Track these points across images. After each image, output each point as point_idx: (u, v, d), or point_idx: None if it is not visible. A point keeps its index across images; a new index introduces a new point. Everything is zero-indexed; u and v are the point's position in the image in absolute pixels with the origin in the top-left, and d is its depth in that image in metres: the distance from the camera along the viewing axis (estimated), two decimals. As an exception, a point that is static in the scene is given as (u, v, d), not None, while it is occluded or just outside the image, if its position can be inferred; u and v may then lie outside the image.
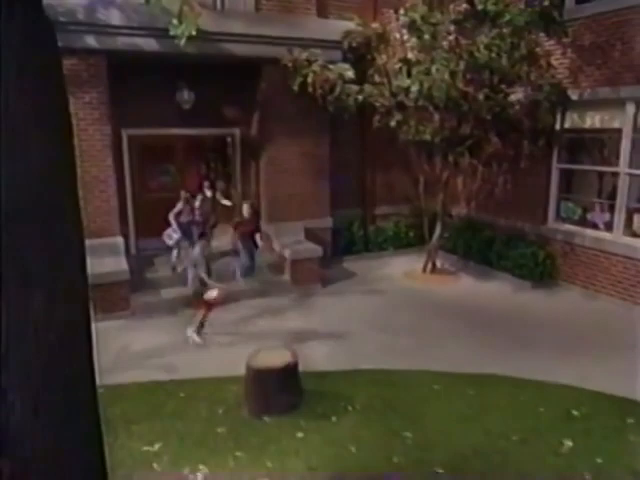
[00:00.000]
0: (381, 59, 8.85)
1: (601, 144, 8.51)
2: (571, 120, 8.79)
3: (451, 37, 7.99)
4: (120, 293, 7.59)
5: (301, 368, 5.48)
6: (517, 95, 8.52)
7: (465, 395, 5.53)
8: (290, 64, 8.63)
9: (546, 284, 8.92)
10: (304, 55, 8.65)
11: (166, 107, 8.95)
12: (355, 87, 8.67)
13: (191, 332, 6.69)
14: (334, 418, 5.06)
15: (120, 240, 8.25)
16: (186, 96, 9.02)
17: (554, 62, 8.51)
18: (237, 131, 9.92)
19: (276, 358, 5.20)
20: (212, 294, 6.54)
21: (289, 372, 5.16)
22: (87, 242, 2.74)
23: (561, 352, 6.44)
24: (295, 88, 8.64)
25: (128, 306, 7.67)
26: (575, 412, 5.13)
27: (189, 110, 9.12)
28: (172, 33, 6.77)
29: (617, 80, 7.88)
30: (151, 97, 8.69)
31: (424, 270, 9.78)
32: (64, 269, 2.76)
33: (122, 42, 7.61)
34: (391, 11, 8.86)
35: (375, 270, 10.03)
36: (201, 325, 6.71)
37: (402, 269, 9.98)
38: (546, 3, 7.56)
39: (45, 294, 2.60)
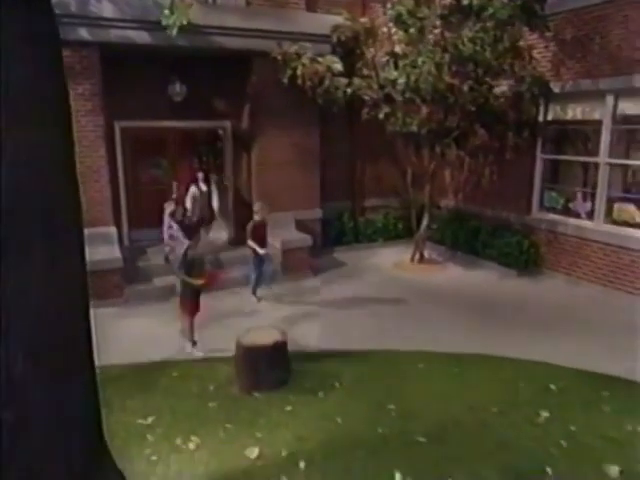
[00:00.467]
0: (369, 52, 9.06)
1: (582, 135, 8.76)
2: (554, 112, 9.04)
3: (436, 30, 8.19)
4: (113, 280, 7.74)
5: (291, 349, 5.68)
6: (501, 88, 8.76)
7: (449, 373, 5.74)
8: (280, 57, 8.82)
9: (530, 272, 9.15)
10: (293, 48, 8.85)
11: (158, 100, 9.10)
12: (344, 80, 8.88)
13: (190, 348, 6.24)
14: (321, 393, 5.24)
15: (113, 230, 8.40)
16: (178, 89, 9.18)
17: (537, 55, 8.76)
18: (228, 124, 10.08)
19: (265, 336, 5.39)
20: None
21: (278, 349, 5.34)
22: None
23: (542, 334, 6.66)
24: (285, 81, 8.84)
25: (121, 294, 7.83)
26: (553, 386, 5.35)
27: (181, 103, 9.28)
28: (164, 23, 6.94)
29: (597, 72, 8.13)
30: (143, 90, 8.85)
31: (412, 260, 9.99)
32: (63, 234, 2.96)
33: (115, 34, 7.75)
34: (379, 5, 9.06)
35: (364, 260, 10.23)
36: (191, 333, 6.29)
37: (391, 259, 10.18)
38: (528, -3, 7.80)
39: (45, 259, 2.79)
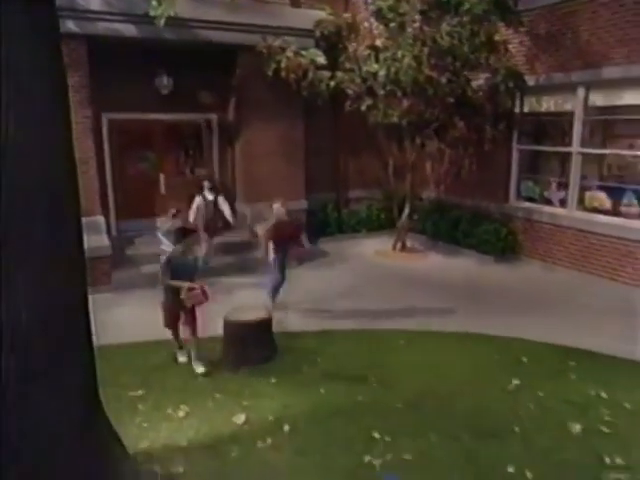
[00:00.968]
0: (351, 47, 9.33)
1: (556, 126, 9.11)
2: (529, 104, 9.39)
3: (416, 25, 8.48)
4: (102, 268, 7.92)
5: (276, 329, 5.94)
6: (479, 81, 9.09)
7: (427, 348, 6.04)
8: (265, 51, 9.05)
9: (508, 258, 9.49)
10: (278, 42, 9.08)
11: (145, 92, 9.27)
12: (327, 73, 9.14)
13: (200, 369, 5.41)
14: (305, 368, 5.51)
15: (101, 219, 8.55)
16: (165, 82, 9.37)
17: (512, 50, 9.10)
18: (214, 116, 10.29)
19: (251, 314, 5.63)
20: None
21: (263, 327, 5.59)
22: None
23: (518, 314, 6.98)
24: (270, 74, 9.07)
25: (110, 280, 8.01)
26: (524, 359, 5.67)
27: (168, 95, 9.47)
28: (152, 14, 7.14)
29: (569, 66, 8.48)
30: (131, 82, 9.01)
31: (394, 249, 10.29)
32: (63, 203, 3.19)
33: (102, 27, 7.92)
34: (361, 0, 9.33)
35: (348, 249, 10.50)
36: (176, 340, 5.68)
37: (373, 248, 10.47)
38: (502, -7, 8.14)
39: (48, 227, 3.02)
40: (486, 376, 5.33)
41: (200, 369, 5.38)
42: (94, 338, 3.40)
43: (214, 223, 8.64)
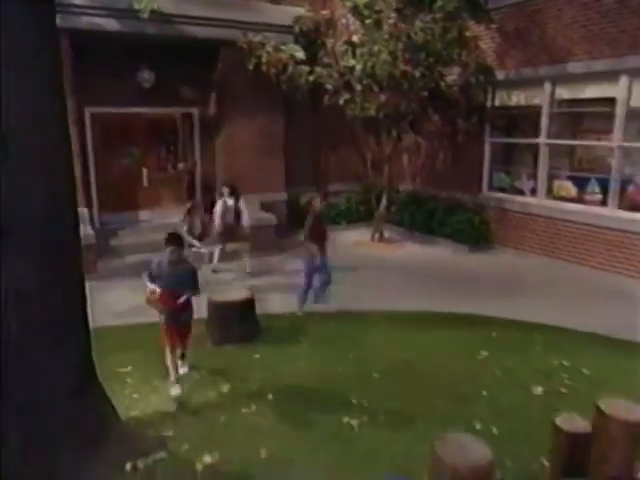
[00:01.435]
0: (330, 42, 9.62)
1: (525, 119, 9.52)
2: (500, 98, 9.80)
3: (391, 21, 8.80)
4: (88, 257, 8.04)
5: (260, 311, 6.19)
6: (452, 76, 9.46)
7: (404, 327, 6.35)
8: (245, 46, 9.29)
9: (482, 247, 9.88)
10: (258, 38, 9.33)
11: (128, 86, 9.42)
12: (306, 68, 9.41)
13: (175, 390, 4.70)
14: (288, 345, 5.78)
15: (84, 210, 8.68)
16: (147, 76, 9.53)
17: (483, 46, 9.50)
18: (196, 110, 10.48)
19: (235, 294, 5.88)
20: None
21: (247, 305, 5.85)
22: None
23: (490, 296, 7.34)
24: (250, 68, 9.31)
25: (95, 269, 8.16)
26: (494, 333, 6.03)
27: (150, 89, 9.63)
28: (136, 7, 7.33)
29: (536, 61, 8.89)
30: (113, 76, 9.15)
31: (372, 239, 10.61)
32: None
33: (85, 21, 8.07)
34: (339, -3, 9.64)
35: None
36: (173, 367, 4.85)
37: (352, 239, 10.77)
38: (473, -9, 8.52)
39: (46, 209, 3.25)
40: (457, 349, 5.66)
41: (175, 391, 4.68)
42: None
43: (235, 229, 8.44)
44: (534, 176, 9.28)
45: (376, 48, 8.59)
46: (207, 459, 3.79)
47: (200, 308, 5.78)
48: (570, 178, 8.83)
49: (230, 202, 8.40)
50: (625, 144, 7.82)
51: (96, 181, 9.85)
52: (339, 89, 9.46)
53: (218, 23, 9.05)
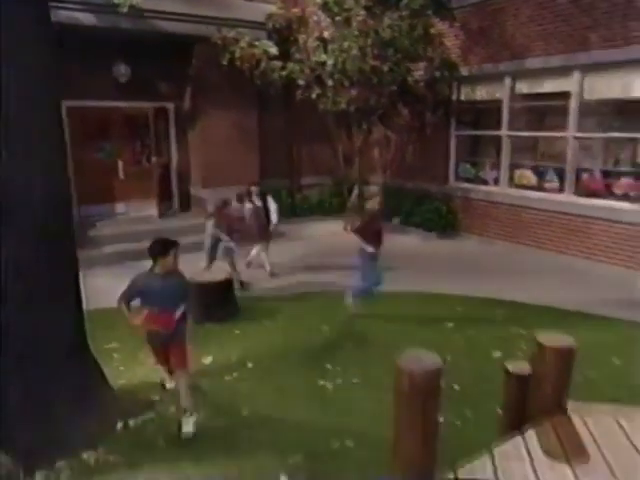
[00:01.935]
0: (301, 39, 9.95)
1: (489, 112, 10.03)
2: (465, 93, 10.29)
3: (360, 18, 9.18)
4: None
5: (239, 294, 6.49)
6: (420, 72, 9.90)
7: (376, 304, 6.72)
8: (219, 42, 9.56)
9: (449, 235, 10.36)
10: (232, 34, 9.61)
11: (104, 80, 9.60)
12: (279, 63, 9.72)
13: (188, 427, 3.91)
14: (266, 322, 6.11)
15: (63, 202, 8.85)
16: (123, 70, 9.72)
17: (448, 43, 9.97)
18: (171, 105, 10.70)
19: (215, 275, 6.18)
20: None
21: (226, 286, 6.15)
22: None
23: (455, 276, 7.79)
24: (224, 63, 9.58)
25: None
26: (459, 308, 6.47)
27: (126, 84, 9.82)
28: (115, 1, 7.53)
29: (497, 57, 9.40)
30: (90, 71, 9.31)
31: (345, 229, 10.98)
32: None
33: (63, 16, 8.20)
34: (309, -5, 9.98)
35: (302, 230, 11.12)
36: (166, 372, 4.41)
37: (326, 230, 11.13)
38: (436, -10, 8.98)
39: (44, 173, 3.52)
40: (425, 322, 6.06)
41: (188, 428, 3.89)
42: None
43: (266, 229, 8.13)
44: (497, 166, 9.80)
45: (346, 44, 8.97)
46: (193, 418, 4.09)
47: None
48: (528, 167, 9.37)
49: (259, 203, 8.11)
50: (579, 134, 8.37)
51: (74, 174, 9.96)
52: (311, 84, 9.80)
53: (193, 19, 9.30)
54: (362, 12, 9.24)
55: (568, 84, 8.44)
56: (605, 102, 8.21)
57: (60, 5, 8.06)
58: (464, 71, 9.89)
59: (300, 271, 8.19)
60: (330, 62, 9.10)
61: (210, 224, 7.47)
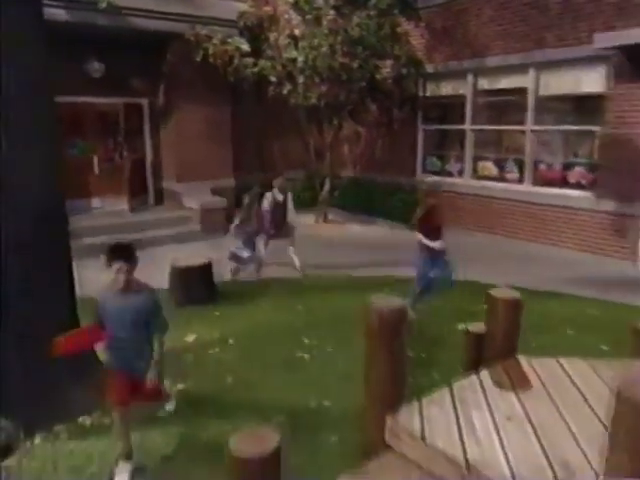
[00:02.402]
0: (273, 36, 10.26)
1: (453, 108, 10.54)
2: (431, 89, 10.78)
3: (329, 17, 9.55)
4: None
5: (218, 280, 6.78)
6: (387, 69, 10.33)
7: (348, 287, 7.11)
8: (193, 38, 9.79)
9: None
10: (205, 31, 9.85)
11: (78, 76, 9.71)
12: (251, 60, 10.01)
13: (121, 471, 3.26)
14: (245, 304, 6.41)
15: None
16: (97, 66, 9.85)
17: (414, 42, 10.43)
18: (145, 101, 10.87)
19: (194, 260, 6.45)
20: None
21: (206, 270, 6.43)
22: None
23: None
24: (198, 59, 9.81)
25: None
26: (425, 289, 6.88)
27: (100, 80, 9.94)
28: (95, -3, 7.73)
29: (461, 55, 9.91)
30: (63, 66, 9.39)
31: (317, 221, 11.35)
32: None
33: (37, 11, 8.35)
34: (280, -7, 10.29)
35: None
36: (123, 437, 3.35)
37: (298, 222, 11.45)
38: (403, -9, 9.42)
39: (40, 155, 3.77)
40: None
41: (169, 406, 3.90)
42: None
43: (283, 225, 7.84)
44: (461, 159, 10.31)
45: (316, 42, 9.32)
46: (180, 386, 4.38)
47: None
48: (492, 160, 9.90)
49: (280, 197, 7.73)
50: (536, 128, 8.93)
51: (47, 169, 10.05)
52: (282, 80, 10.12)
53: (167, 16, 9.50)
54: (331, 11, 9.63)
55: (525, 81, 8.99)
56: (559, 97, 8.78)
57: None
58: (429, 68, 10.37)
59: (273, 259, 8.50)
60: (301, 59, 9.43)
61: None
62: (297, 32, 9.80)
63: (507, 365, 3.02)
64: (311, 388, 4.36)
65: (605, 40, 7.28)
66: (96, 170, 10.71)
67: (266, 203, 7.50)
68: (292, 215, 7.95)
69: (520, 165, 9.33)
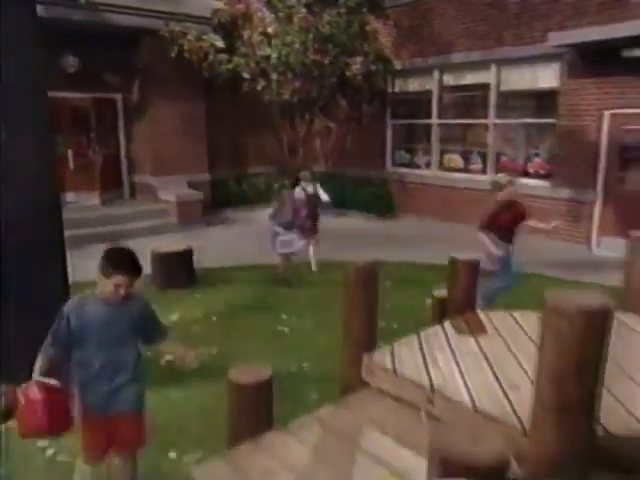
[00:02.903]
0: (246, 34, 10.55)
1: (420, 103, 11.01)
2: (399, 85, 11.24)
3: (301, 15, 9.89)
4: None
5: (197, 266, 7.06)
6: (357, 66, 10.73)
7: (323, 270, 7.47)
8: (167, 35, 10.00)
9: (387, 216, 11.26)
10: (179, 28, 10.07)
11: (52, 71, 9.80)
12: (225, 56, 10.27)
13: None
14: (224, 287, 6.71)
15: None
16: (71, 61, 9.97)
17: (382, 39, 10.86)
18: (120, 96, 11.02)
19: (175, 246, 6.72)
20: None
21: (186, 256, 6.70)
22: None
23: (391, 248, 8.65)
24: (173, 55, 10.03)
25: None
26: (394, 271, 7.30)
27: (74, 75, 10.06)
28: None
29: (427, 52, 10.39)
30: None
31: (292, 214, 11.68)
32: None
33: (12, 6, 8.45)
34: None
35: (250, 216, 11.68)
36: None
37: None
38: (371, -10, 9.84)
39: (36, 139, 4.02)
40: (367, 283, 6.85)
41: None
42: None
43: (318, 217, 7.73)
44: (429, 152, 10.79)
45: (289, 39, 9.65)
46: (168, 357, 4.65)
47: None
48: (458, 152, 10.41)
49: (310, 189, 7.62)
50: (497, 121, 9.47)
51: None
52: (256, 77, 10.41)
53: (141, 12, 9.69)
54: (303, 9, 9.98)
55: (487, 77, 9.51)
56: (518, 93, 9.33)
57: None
58: (397, 65, 10.82)
59: (251, 247, 8.82)
60: (274, 55, 9.75)
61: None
62: (270, 30, 10.11)
63: (467, 317, 3.42)
64: (291, 355, 4.70)
65: (558, 39, 7.83)
66: (71, 165, 10.79)
67: (301, 195, 7.36)
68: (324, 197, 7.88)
69: (483, 157, 9.86)
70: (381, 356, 2.96)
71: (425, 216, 10.86)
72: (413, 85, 11.02)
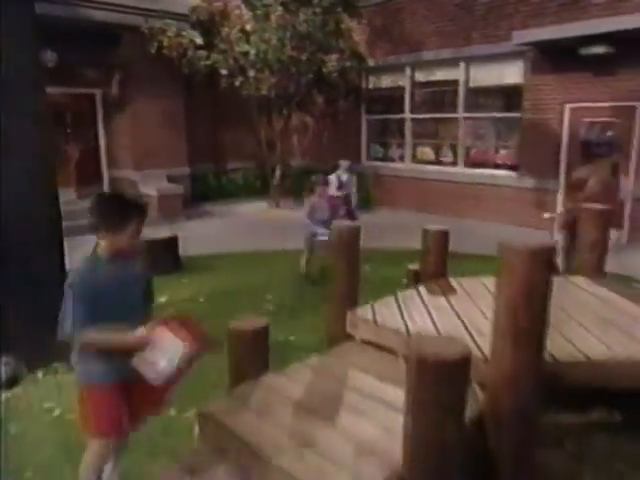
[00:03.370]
0: (225, 31, 10.81)
1: (393, 98, 11.45)
2: (373, 82, 11.65)
3: (278, 13, 10.21)
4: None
5: (182, 254, 7.32)
6: (332, 63, 11.09)
7: (296, 259, 7.80)
8: (147, 31, 10.20)
9: (364, 208, 11.63)
10: (159, 24, 10.28)
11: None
12: (204, 53, 10.52)
13: None
14: (209, 273, 7.00)
15: None
16: (49, 56, 10.06)
17: (356, 37, 11.26)
18: (99, 91, 11.15)
19: (160, 234, 6.97)
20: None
21: (172, 243, 6.96)
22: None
23: (371, 237, 8.94)
24: (152, 51, 10.23)
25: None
26: (372, 256, 7.68)
27: (53, 70, 10.14)
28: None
29: (399, 50, 10.82)
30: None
31: (269, 207, 11.98)
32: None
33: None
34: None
35: (229, 209, 11.99)
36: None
37: (251, 208, 12.07)
38: (344, -10, 10.23)
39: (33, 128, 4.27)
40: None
41: None
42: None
43: (352, 217, 7.57)
44: (402, 145, 11.23)
45: (267, 35, 9.96)
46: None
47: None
48: (430, 145, 10.87)
49: (345, 177, 7.42)
50: (467, 115, 9.95)
51: (1, 157, 10.17)
52: (234, 73, 10.68)
53: (121, 9, 9.88)
54: (280, 8, 10.30)
55: (457, 73, 9.99)
56: (486, 88, 9.84)
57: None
58: (371, 62, 11.23)
59: (232, 238, 9.11)
60: (252, 52, 10.04)
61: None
62: (248, 27, 10.40)
63: (439, 282, 3.81)
64: (278, 328, 4.95)
65: (521, 37, 8.34)
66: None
67: (332, 188, 7.01)
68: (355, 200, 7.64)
69: (454, 150, 10.33)
70: (363, 311, 3.34)
71: (400, 208, 11.28)
72: (386, 82, 11.45)
